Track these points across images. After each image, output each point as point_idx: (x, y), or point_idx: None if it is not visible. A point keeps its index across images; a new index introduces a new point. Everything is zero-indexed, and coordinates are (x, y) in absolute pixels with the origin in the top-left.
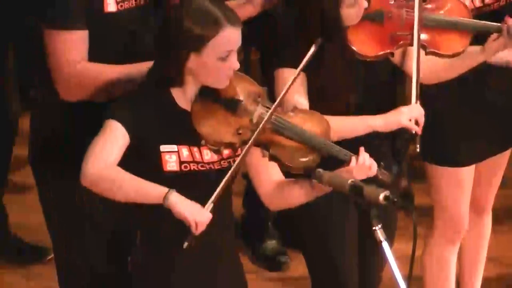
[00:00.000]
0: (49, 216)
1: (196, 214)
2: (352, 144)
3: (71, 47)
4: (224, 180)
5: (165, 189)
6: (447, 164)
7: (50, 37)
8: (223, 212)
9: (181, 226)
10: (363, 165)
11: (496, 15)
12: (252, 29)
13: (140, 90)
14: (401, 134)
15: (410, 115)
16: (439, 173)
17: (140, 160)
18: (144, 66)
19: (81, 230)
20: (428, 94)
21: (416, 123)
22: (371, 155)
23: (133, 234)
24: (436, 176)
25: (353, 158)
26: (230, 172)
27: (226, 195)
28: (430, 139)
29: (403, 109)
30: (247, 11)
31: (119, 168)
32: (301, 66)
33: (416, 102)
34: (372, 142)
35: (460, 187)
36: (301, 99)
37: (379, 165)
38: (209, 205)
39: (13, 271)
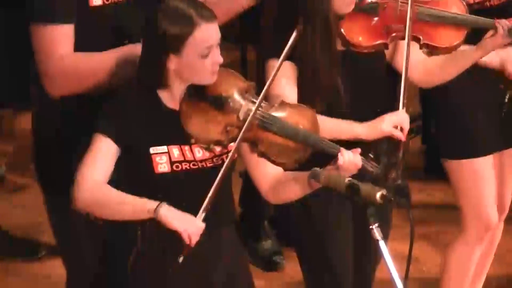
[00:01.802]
0: (53, 218)
1: (188, 226)
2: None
3: (57, 41)
4: (214, 186)
5: (155, 203)
6: (465, 155)
7: (36, 31)
8: (225, 206)
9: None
10: (348, 163)
11: (499, 10)
12: (248, 27)
13: (127, 94)
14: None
15: (394, 122)
16: (458, 167)
17: (131, 164)
18: (137, 48)
19: (83, 231)
20: (441, 89)
21: (401, 130)
22: (360, 146)
23: (133, 234)
24: (456, 171)
25: (339, 156)
26: (219, 176)
27: (225, 192)
28: (445, 133)
29: (387, 116)
30: (239, 3)
31: (109, 189)
32: (283, 54)
33: (403, 108)
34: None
35: (481, 179)
36: (289, 91)
37: (367, 157)
38: (201, 214)
39: (4, 269)
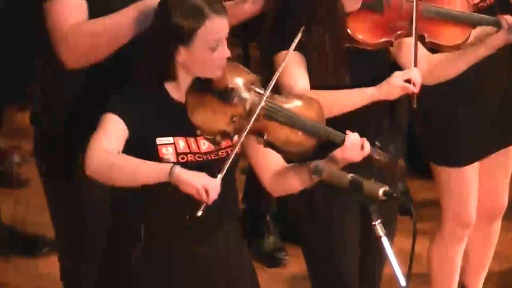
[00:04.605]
0: (53, 210)
1: (205, 181)
2: (350, 125)
3: (67, 13)
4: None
5: (169, 165)
6: (451, 164)
7: (47, 8)
8: (230, 202)
9: (188, 219)
10: (354, 144)
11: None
12: (251, 24)
13: (135, 86)
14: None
15: (405, 77)
16: (444, 173)
17: (137, 154)
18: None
19: (83, 225)
20: (427, 96)
21: (414, 84)
22: (366, 135)
23: (136, 229)
24: (442, 176)
25: (346, 138)
26: (236, 147)
27: (231, 187)
28: (433, 140)
29: (397, 72)
30: (246, 10)
31: (121, 154)
32: (290, 49)
33: (415, 66)
34: (367, 121)
35: (466, 185)
36: (301, 80)
37: (374, 145)
38: (220, 176)
39: (5, 264)
